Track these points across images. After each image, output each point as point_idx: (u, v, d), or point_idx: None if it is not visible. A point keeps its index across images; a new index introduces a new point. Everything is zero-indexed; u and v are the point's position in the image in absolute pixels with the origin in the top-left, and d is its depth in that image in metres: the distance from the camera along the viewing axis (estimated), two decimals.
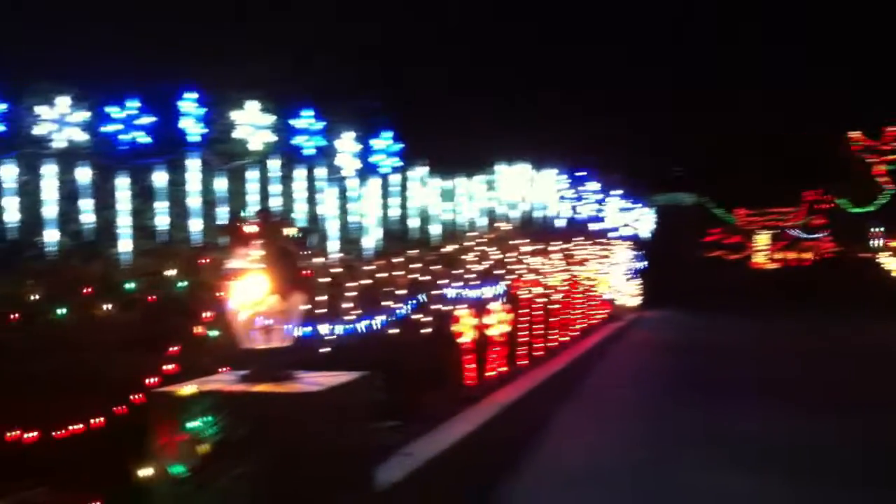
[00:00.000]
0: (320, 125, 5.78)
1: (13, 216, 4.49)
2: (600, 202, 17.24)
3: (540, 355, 11.91)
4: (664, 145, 27.10)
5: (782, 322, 22.86)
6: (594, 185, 16.19)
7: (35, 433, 4.22)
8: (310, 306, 4.85)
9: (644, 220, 24.46)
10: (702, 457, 7.85)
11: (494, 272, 9.68)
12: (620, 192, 19.50)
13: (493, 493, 6.77)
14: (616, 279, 20.97)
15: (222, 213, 5.24)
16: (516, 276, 10.68)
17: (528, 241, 11.21)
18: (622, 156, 19.54)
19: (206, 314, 4.85)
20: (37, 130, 4.59)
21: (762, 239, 43.63)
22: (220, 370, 4.72)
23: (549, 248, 12.72)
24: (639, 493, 6.76)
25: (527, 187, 11.25)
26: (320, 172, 6.08)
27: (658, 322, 23.90)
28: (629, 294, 23.32)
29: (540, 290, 11.80)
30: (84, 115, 4.65)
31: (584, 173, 15.51)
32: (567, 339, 14.25)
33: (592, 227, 16.73)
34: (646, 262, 24.59)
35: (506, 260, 10.27)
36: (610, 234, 19.14)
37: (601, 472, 7.31)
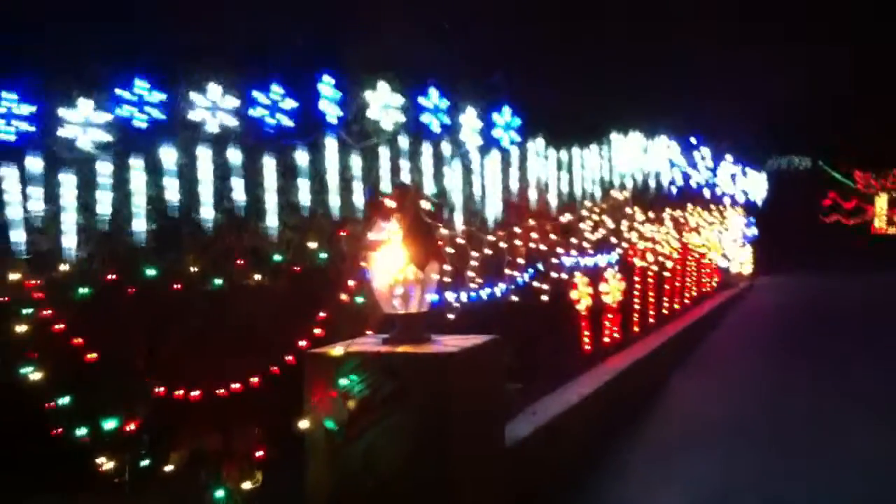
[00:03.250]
0: (445, 103, 6.07)
1: (173, 196, 4.92)
2: (713, 169, 17.04)
3: (652, 323, 12.02)
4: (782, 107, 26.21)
5: None
6: (707, 152, 16.02)
7: (200, 391, 4.67)
8: (439, 275, 5.16)
9: (757, 186, 23.93)
10: (830, 429, 7.70)
11: (609, 241, 9.85)
12: (732, 157, 19.17)
13: (613, 449, 7.02)
14: (729, 246, 20.69)
15: (358, 189, 5.59)
16: (630, 245, 10.80)
17: (640, 209, 11.29)
18: (739, 119, 19.08)
19: (349, 282, 5.22)
20: (192, 116, 4.99)
21: (882, 202, 41.66)
22: (363, 334, 5.10)
23: (662, 216, 12.75)
24: (759, 461, 6.82)
25: (640, 155, 11.31)
26: (445, 148, 6.38)
27: (773, 289, 23.45)
28: (742, 261, 22.96)
29: (652, 257, 11.88)
30: (234, 102, 5.04)
31: (696, 140, 15.37)
32: (680, 306, 14.28)
33: (705, 193, 16.58)
34: (759, 229, 24.11)
35: (620, 228, 10.41)
36: (722, 201, 18.89)
37: (719, 439, 7.41)
